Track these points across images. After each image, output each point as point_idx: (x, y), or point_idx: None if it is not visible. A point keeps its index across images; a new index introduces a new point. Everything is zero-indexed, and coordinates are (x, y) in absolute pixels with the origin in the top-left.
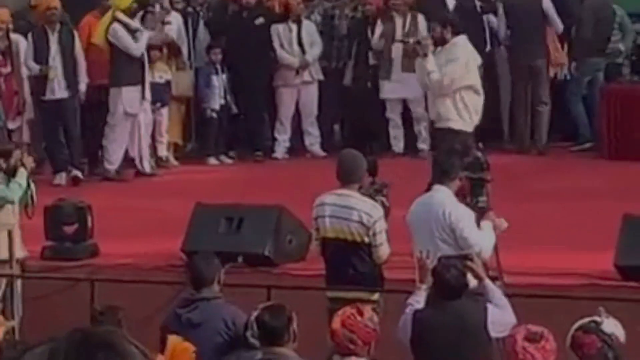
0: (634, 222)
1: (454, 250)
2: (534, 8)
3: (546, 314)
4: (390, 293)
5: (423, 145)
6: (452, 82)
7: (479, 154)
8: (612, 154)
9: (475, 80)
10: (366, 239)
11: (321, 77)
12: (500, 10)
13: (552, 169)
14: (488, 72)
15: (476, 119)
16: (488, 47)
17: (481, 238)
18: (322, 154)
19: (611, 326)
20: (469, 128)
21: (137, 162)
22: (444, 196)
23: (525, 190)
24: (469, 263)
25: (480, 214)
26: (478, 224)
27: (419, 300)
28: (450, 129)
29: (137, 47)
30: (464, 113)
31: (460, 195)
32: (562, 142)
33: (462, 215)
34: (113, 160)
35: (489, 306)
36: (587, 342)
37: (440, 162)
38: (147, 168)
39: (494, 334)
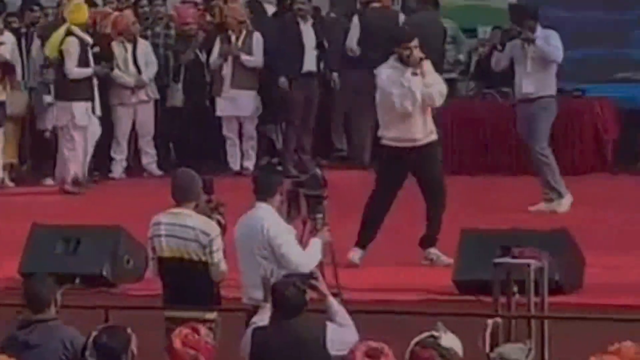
0: (471, 236)
1: (275, 268)
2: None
3: (385, 330)
4: (227, 312)
5: (248, 163)
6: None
7: (317, 170)
8: (450, 169)
9: None
10: (203, 258)
11: (157, 96)
12: (355, 21)
13: None
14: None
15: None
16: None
17: (301, 255)
18: (159, 172)
19: (449, 340)
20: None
21: None
22: (263, 213)
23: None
24: (313, 281)
25: (316, 231)
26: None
27: (263, 319)
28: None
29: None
30: None
31: (286, 209)
32: None
33: (280, 232)
34: None
35: (329, 324)
36: (426, 357)
37: (259, 179)
38: None
39: (333, 352)
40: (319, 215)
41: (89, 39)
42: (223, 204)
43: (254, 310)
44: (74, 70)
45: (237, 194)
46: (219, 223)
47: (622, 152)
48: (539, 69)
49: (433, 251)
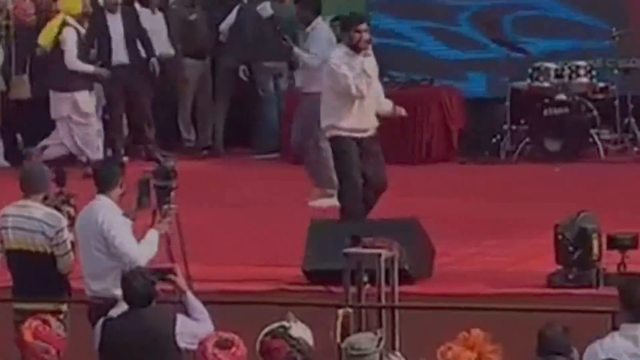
0: (318, 226)
1: (110, 259)
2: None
3: (237, 321)
4: (77, 303)
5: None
6: None
7: (166, 161)
8: (296, 158)
9: None
10: (49, 250)
11: (3, 87)
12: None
13: (238, 175)
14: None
15: None
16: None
17: (134, 247)
18: (6, 164)
19: (299, 330)
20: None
21: None
22: (100, 205)
23: (213, 197)
24: (171, 276)
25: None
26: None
27: (117, 311)
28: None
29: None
30: None
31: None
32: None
33: (115, 224)
34: None
35: (179, 317)
36: (276, 347)
37: (99, 171)
38: None
39: (182, 344)
40: (167, 206)
41: (82, 30)
42: (74, 196)
43: (98, 302)
44: (76, 62)
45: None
46: (68, 215)
47: (468, 141)
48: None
49: None
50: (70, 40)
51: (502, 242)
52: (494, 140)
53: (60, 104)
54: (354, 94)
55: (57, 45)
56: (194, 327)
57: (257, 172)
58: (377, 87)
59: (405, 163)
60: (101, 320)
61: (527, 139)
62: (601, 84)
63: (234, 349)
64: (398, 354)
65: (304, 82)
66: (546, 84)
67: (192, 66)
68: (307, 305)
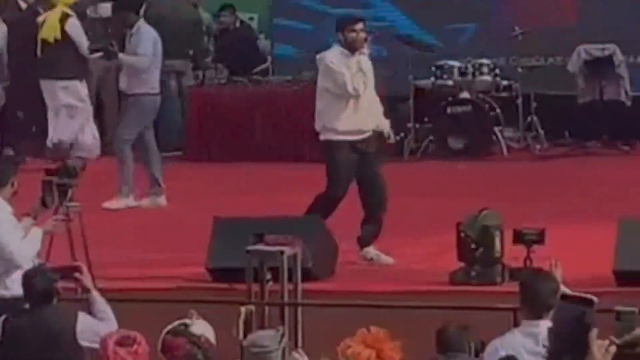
0: (222, 224)
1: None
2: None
3: (140, 319)
4: None
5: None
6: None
7: (69, 162)
8: (199, 156)
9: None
10: None
11: None
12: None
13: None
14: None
15: None
16: None
17: (17, 245)
18: None
19: (200, 327)
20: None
21: None
22: None
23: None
24: (76, 274)
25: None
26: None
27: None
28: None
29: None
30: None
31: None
32: None
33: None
34: None
35: (81, 314)
36: (176, 345)
37: None
38: None
39: (84, 342)
40: (68, 204)
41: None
42: None
43: None
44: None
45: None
46: None
47: None
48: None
49: (371, 250)
50: (80, 30)
51: (405, 240)
52: (397, 138)
53: (67, 92)
54: (350, 92)
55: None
56: (96, 325)
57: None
58: (373, 92)
59: (305, 161)
60: (2, 318)
61: (431, 137)
62: (504, 82)
63: (135, 347)
64: (300, 351)
65: (127, 84)
66: (449, 82)
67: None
68: (210, 303)
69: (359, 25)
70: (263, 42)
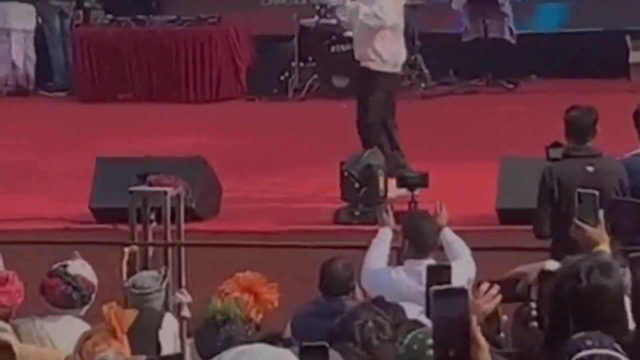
0: (105, 164)
1: None
2: None
3: (24, 261)
4: None
5: None
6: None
7: None
8: (85, 97)
9: (399, 19)
10: None
11: None
12: None
13: (31, 112)
14: None
15: (400, 59)
16: None
17: None
18: None
19: (77, 268)
20: (391, 69)
21: None
22: None
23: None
24: None
25: None
26: None
27: None
28: (368, 69)
29: None
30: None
31: None
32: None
33: None
34: None
35: None
36: (50, 285)
37: None
38: None
39: None
40: None
41: None
42: None
43: None
44: None
45: None
46: None
47: (256, 78)
48: None
49: None
50: None
51: (289, 180)
52: (282, 77)
53: None
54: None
55: None
56: None
57: (46, 110)
58: None
59: (193, 102)
60: None
61: (315, 76)
62: None
63: (7, 286)
64: (184, 291)
65: None
66: (333, 21)
67: None
68: (94, 244)
69: None
70: None
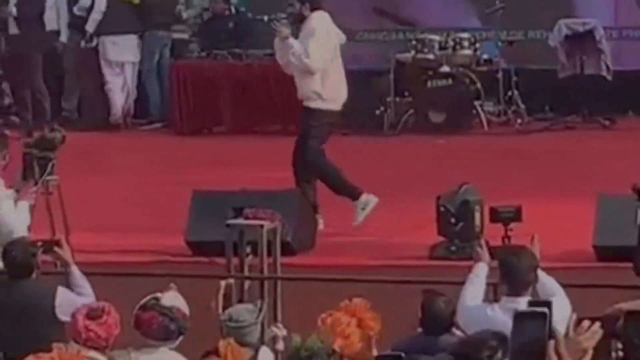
0: (201, 197)
1: None
2: None
3: (120, 293)
4: None
5: None
6: (317, 60)
7: (51, 132)
8: (182, 130)
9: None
10: None
11: None
12: None
13: (127, 145)
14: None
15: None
16: None
17: (12, 219)
18: None
19: (171, 299)
20: (332, 107)
21: None
22: None
23: (99, 166)
24: (56, 248)
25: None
26: None
27: None
28: (309, 108)
29: None
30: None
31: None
32: (135, 120)
33: None
34: None
35: (60, 288)
36: (147, 319)
37: None
38: None
39: (62, 317)
40: (48, 177)
41: None
42: None
43: None
44: None
45: None
46: None
47: (351, 112)
48: None
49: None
50: None
51: (385, 214)
52: (377, 112)
53: None
54: None
55: None
56: (75, 300)
57: (141, 142)
58: None
59: (288, 135)
60: None
61: (411, 111)
62: (485, 56)
63: (104, 317)
64: (280, 325)
65: None
66: (430, 56)
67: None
68: (190, 277)
69: None
70: None
